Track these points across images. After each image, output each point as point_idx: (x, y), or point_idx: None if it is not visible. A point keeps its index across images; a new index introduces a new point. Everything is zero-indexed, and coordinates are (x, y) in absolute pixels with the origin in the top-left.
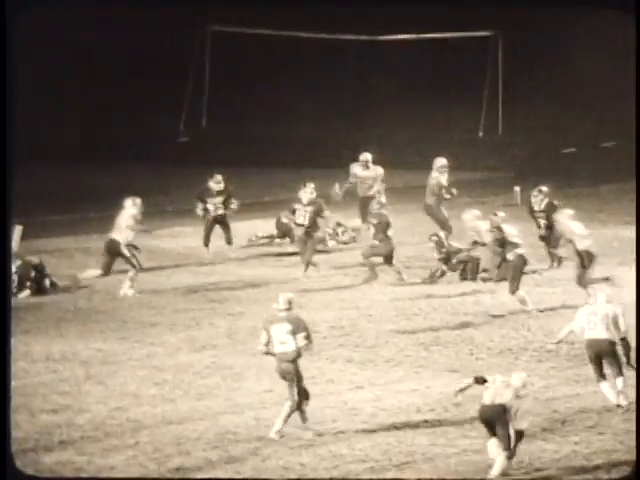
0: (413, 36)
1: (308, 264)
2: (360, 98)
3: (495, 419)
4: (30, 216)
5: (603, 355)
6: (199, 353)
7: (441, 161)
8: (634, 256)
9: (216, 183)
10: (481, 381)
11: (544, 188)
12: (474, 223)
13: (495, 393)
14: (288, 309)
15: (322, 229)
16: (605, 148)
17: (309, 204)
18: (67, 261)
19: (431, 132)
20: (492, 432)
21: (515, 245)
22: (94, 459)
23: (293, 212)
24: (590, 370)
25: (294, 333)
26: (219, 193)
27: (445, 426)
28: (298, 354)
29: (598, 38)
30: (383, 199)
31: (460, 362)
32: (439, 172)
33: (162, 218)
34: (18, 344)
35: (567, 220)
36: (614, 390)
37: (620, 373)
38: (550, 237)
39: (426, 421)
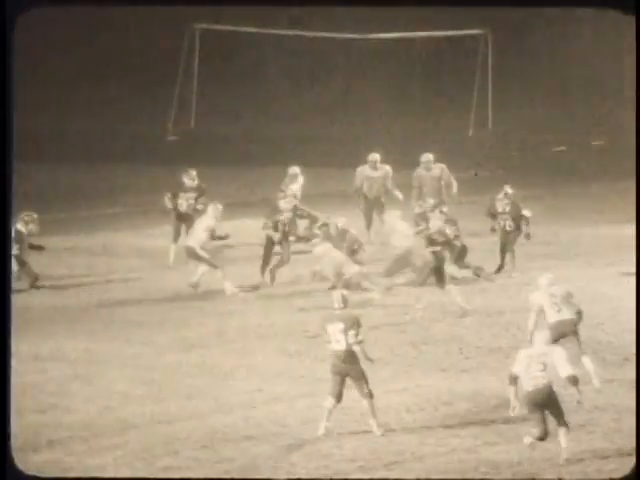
0: (403, 34)
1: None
2: (349, 97)
3: (545, 402)
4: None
5: (567, 336)
6: (188, 352)
7: (426, 157)
8: (624, 255)
9: (190, 179)
10: (515, 380)
11: (510, 190)
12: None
13: (533, 377)
14: (343, 307)
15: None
16: (595, 147)
17: (290, 211)
18: (54, 260)
19: (421, 130)
20: (540, 416)
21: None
22: (82, 459)
23: (276, 225)
24: (581, 369)
25: (346, 331)
26: (192, 189)
27: (435, 425)
28: (351, 352)
29: (589, 36)
30: (398, 193)
31: (450, 361)
32: (423, 168)
33: (151, 217)
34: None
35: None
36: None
37: (583, 352)
38: (512, 239)
39: (415, 420)
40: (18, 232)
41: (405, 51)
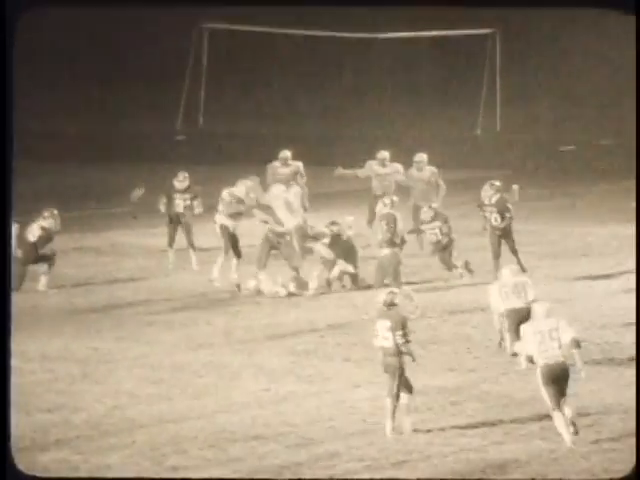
0: (411, 34)
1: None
2: (358, 96)
3: (558, 377)
4: (26, 215)
5: (523, 323)
6: (196, 352)
7: (419, 157)
8: (632, 254)
9: (179, 181)
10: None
11: (497, 183)
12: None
13: (550, 355)
14: (390, 304)
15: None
16: (604, 146)
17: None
18: (62, 260)
19: (429, 130)
20: (558, 388)
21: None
22: (90, 458)
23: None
24: (591, 370)
25: (393, 330)
26: (185, 191)
27: (442, 425)
28: (398, 351)
29: (597, 36)
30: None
31: (457, 361)
32: (415, 168)
33: (159, 217)
34: (14, 343)
35: (280, 193)
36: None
37: None
38: (505, 235)
39: (423, 420)
40: (45, 229)
41: (413, 51)
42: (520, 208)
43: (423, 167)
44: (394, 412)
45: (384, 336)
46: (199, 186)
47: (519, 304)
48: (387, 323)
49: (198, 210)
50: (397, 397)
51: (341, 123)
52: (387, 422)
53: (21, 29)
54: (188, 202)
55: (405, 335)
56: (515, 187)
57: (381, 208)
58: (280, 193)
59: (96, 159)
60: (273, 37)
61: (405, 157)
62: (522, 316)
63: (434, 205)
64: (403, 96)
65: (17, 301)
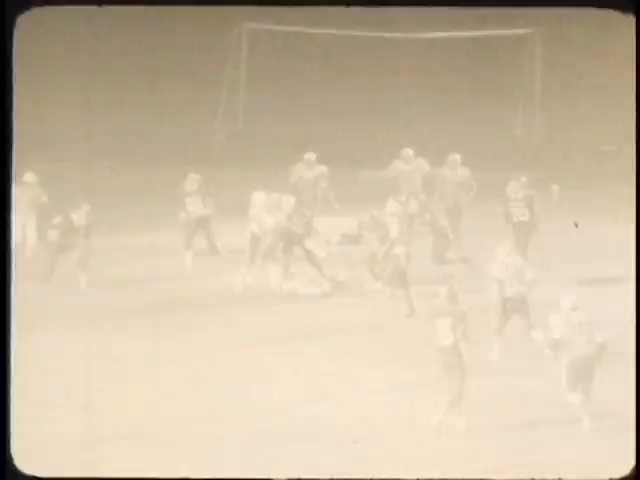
0: (449, 34)
1: None
2: (395, 96)
3: (589, 369)
4: (62, 213)
5: (517, 310)
6: (236, 352)
7: (452, 156)
8: None
9: (190, 183)
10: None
11: (523, 179)
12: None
13: (579, 347)
14: (451, 301)
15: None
16: None
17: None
18: (102, 260)
19: (467, 130)
20: (583, 380)
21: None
22: (130, 457)
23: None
24: (629, 372)
25: (454, 327)
26: (195, 193)
27: (482, 426)
28: (458, 350)
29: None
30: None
31: (497, 362)
32: (447, 167)
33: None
34: (55, 342)
35: (261, 200)
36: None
37: (532, 326)
38: (528, 231)
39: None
40: (70, 221)
41: (451, 50)
42: (559, 208)
43: (456, 167)
44: (445, 412)
45: (444, 334)
46: (208, 185)
47: (522, 289)
48: (448, 320)
49: (206, 211)
50: (458, 398)
51: (379, 124)
52: (433, 420)
53: (21, 29)
54: (199, 204)
55: (464, 331)
56: (554, 187)
57: (397, 208)
58: (261, 200)
59: (135, 159)
60: (312, 37)
61: (444, 156)
62: (520, 300)
63: (422, 197)
64: (441, 96)
65: (56, 300)
